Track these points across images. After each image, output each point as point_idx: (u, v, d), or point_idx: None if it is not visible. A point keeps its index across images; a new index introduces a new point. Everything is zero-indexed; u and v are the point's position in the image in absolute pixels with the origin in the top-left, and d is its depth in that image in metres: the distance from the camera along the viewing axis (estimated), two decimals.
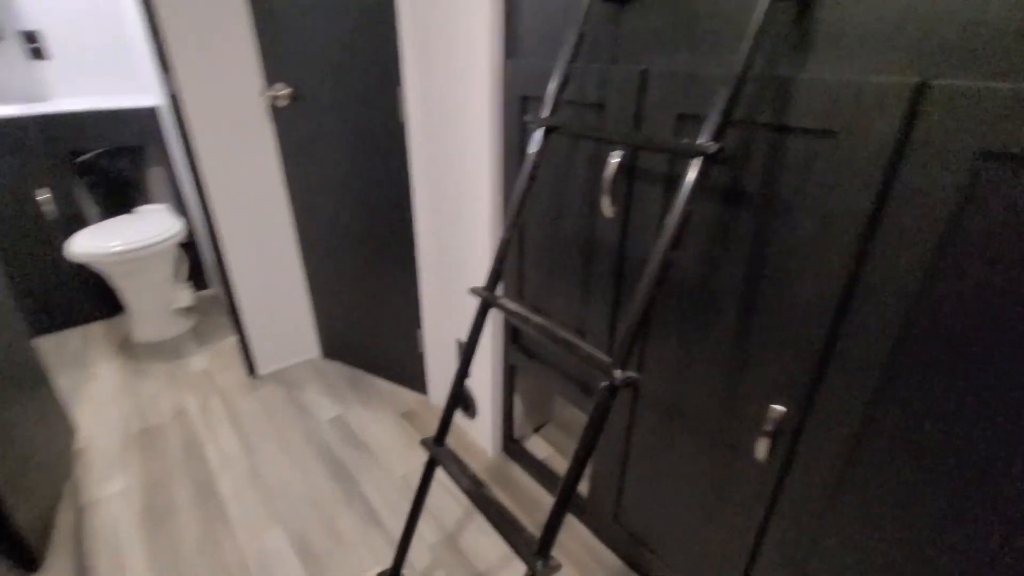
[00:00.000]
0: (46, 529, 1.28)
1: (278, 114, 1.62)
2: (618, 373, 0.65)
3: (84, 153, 2.19)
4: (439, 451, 0.93)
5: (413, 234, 1.52)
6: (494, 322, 1.37)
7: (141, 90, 2.42)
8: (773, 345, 0.75)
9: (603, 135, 0.77)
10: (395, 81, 1.33)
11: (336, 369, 1.97)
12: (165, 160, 2.36)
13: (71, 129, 2.03)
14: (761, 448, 0.79)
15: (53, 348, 2.10)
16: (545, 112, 0.87)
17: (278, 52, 1.51)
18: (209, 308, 2.43)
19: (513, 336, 1.36)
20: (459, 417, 1.67)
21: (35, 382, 1.44)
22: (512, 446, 1.54)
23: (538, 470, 1.46)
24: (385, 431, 1.65)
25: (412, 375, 1.81)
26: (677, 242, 0.63)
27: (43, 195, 2.00)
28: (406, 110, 1.34)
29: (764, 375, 0.78)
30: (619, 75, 0.85)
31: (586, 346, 0.71)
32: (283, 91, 1.54)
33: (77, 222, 2.12)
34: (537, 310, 1.23)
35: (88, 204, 2.32)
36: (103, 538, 1.29)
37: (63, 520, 1.34)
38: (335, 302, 1.86)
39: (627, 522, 1.17)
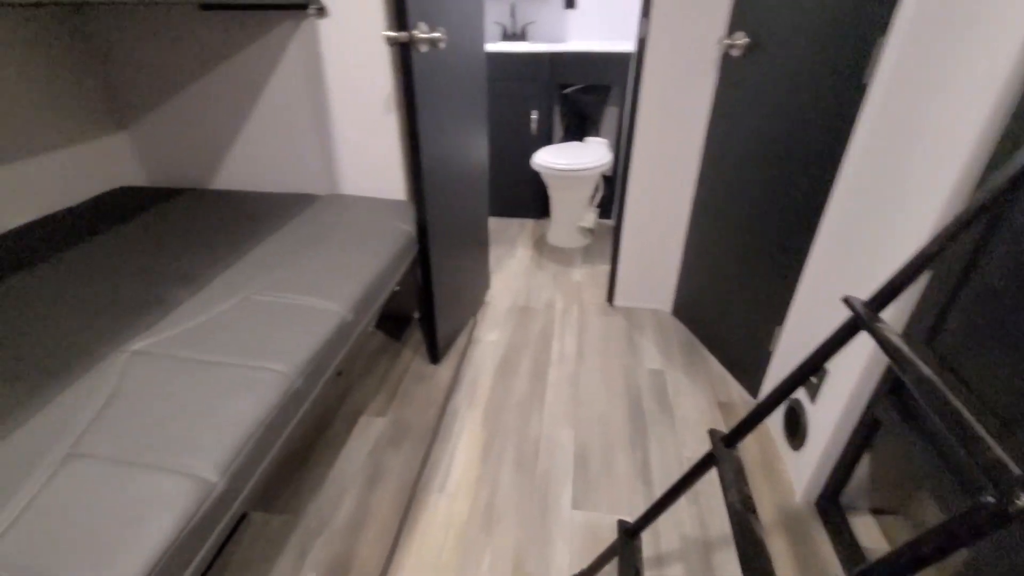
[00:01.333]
0: (450, 342, 1.85)
1: (726, 65, 1.58)
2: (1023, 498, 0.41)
3: (569, 86, 2.73)
4: (723, 451, 0.83)
5: (816, 220, 1.29)
6: (873, 353, 1.06)
7: (628, 38, 2.78)
8: None
9: None
10: (878, 30, 1.08)
11: (677, 329, 1.97)
12: (621, 101, 2.70)
13: (568, 65, 2.55)
14: None
15: (498, 227, 2.86)
16: None
17: None
18: (602, 235, 2.78)
19: (894, 384, 1.03)
20: (782, 437, 1.43)
21: (481, 245, 2.02)
22: (829, 507, 1.23)
23: (849, 554, 1.13)
24: (694, 408, 1.58)
25: (749, 370, 1.63)
26: None
27: (533, 115, 2.63)
28: (877, 68, 1.08)
29: None
30: None
31: (985, 434, 0.46)
32: (740, 40, 1.48)
33: (546, 140, 2.71)
34: (948, 366, 0.88)
35: (557, 128, 2.93)
36: (473, 365, 1.77)
37: (460, 341, 1.90)
38: (702, 266, 1.82)
39: None
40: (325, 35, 1.50)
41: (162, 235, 1.40)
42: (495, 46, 2.57)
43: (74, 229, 1.41)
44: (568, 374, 1.73)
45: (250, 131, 1.67)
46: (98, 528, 0.63)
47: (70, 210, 1.52)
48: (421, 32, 1.25)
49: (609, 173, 2.76)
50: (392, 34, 1.24)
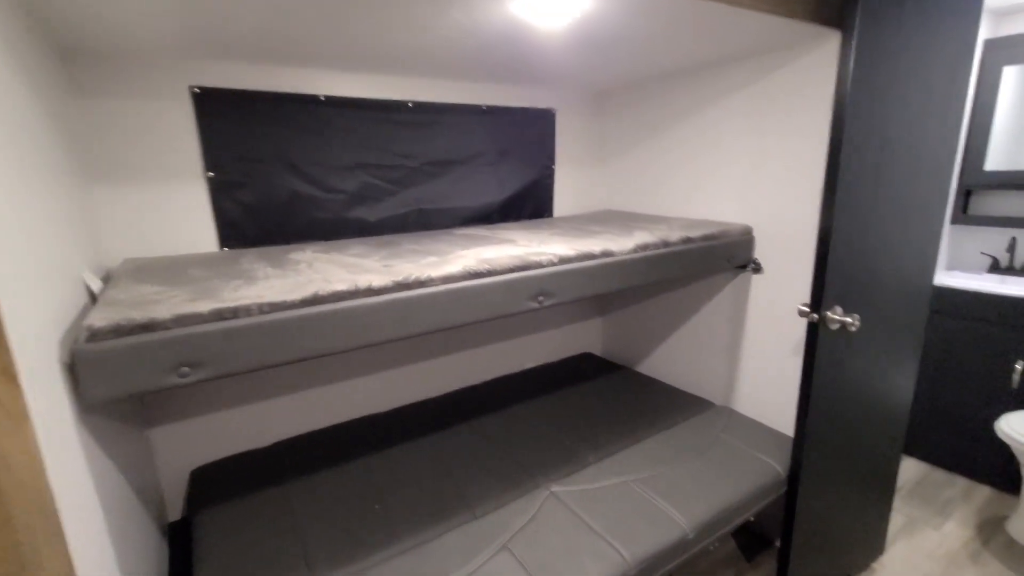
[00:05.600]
0: None
1: None
2: None
3: None
4: None
5: None
6: None
7: None
8: None
9: None
10: None
11: None
12: None
13: None
14: None
15: (931, 480, 2.32)
16: None
17: None
18: None
19: None
20: None
21: (878, 496, 1.79)
22: None
23: None
24: None
25: None
26: None
27: (1017, 366, 2.10)
28: None
29: None
30: None
31: None
32: None
33: None
34: None
35: None
36: None
37: None
38: None
39: None
40: (755, 285, 1.84)
41: (597, 398, 2.02)
42: (976, 280, 2.24)
43: (550, 379, 2.23)
44: None
45: (678, 337, 2.16)
46: None
47: (550, 364, 2.39)
48: (834, 314, 1.41)
49: None
50: (804, 308, 1.46)
